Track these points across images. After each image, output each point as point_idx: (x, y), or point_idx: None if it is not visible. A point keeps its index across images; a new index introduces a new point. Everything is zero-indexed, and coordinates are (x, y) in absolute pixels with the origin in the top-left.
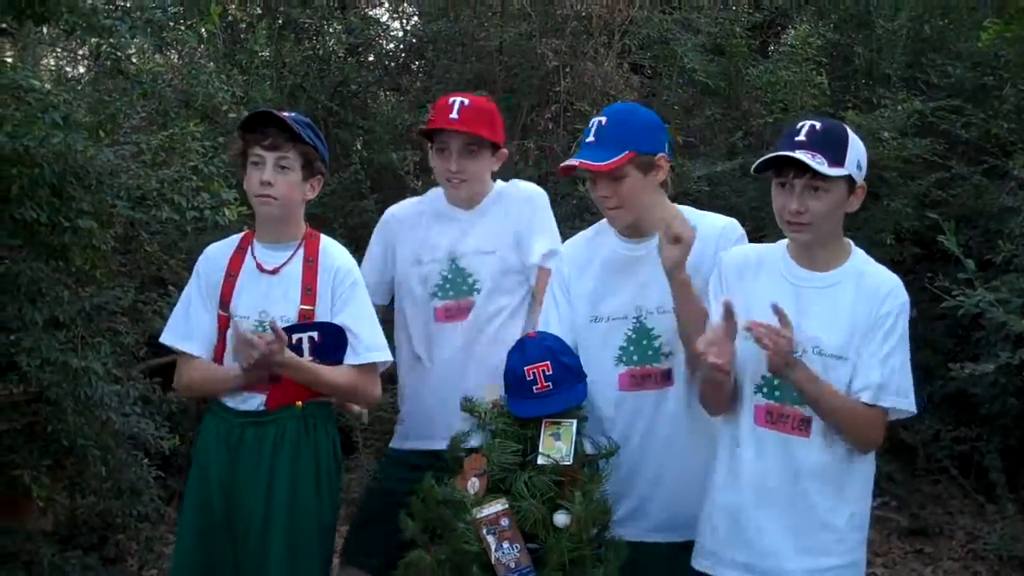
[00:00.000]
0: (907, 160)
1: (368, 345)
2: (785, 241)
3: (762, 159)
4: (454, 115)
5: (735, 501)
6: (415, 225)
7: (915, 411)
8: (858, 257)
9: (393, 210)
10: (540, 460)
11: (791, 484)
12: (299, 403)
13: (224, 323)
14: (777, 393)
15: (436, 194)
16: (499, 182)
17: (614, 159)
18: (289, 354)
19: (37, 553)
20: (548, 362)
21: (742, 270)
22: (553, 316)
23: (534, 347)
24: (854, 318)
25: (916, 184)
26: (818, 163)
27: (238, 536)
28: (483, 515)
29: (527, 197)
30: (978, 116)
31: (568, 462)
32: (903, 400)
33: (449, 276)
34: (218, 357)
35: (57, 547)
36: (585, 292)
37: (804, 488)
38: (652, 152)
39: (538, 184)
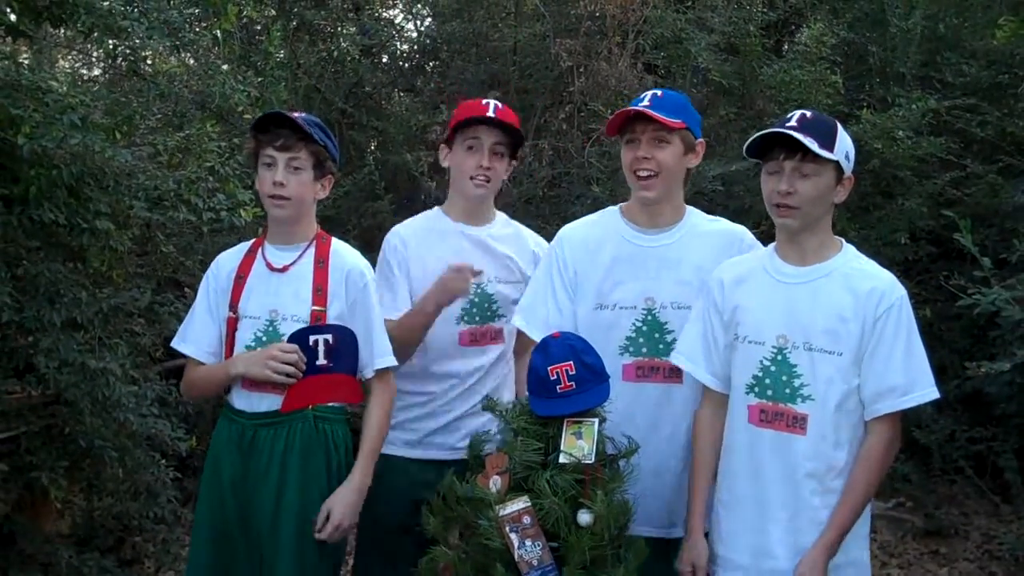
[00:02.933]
0: (922, 159)
1: (382, 351)
2: (773, 244)
3: (754, 136)
4: (491, 113)
5: (732, 501)
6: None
7: (939, 395)
8: (848, 254)
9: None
10: (562, 458)
11: (786, 482)
12: (311, 405)
13: (232, 325)
14: (769, 392)
15: (435, 214)
16: (501, 214)
17: (671, 120)
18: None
19: (55, 555)
20: (571, 362)
21: (730, 284)
22: (552, 306)
23: (558, 347)
24: (842, 314)
25: (931, 183)
26: (809, 142)
27: (251, 537)
28: (506, 513)
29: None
30: (993, 114)
31: (590, 461)
32: (929, 391)
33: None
34: (227, 359)
35: (74, 549)
36: (594, 279)
37: (799, 486)
38: (696, 135)
39: (552, 184)
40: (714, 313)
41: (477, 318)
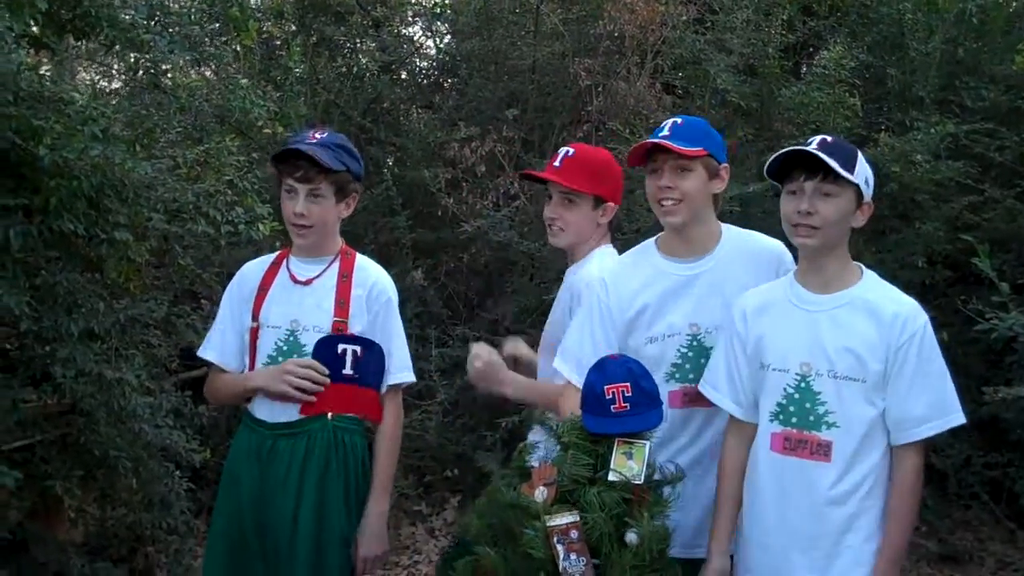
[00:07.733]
0: (940, 183)
1: (399, 366)
2: (792, 271)
3: (776, 155)
4: (556, 163)
5: (757, 529)
6: None
7: (964, 420)
8: (869, 280)
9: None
10: (611, 476)
11: (810, 509)
12: (330, 414)
13: (255, 334)
14: (794, 420)
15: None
16: (595, 254)
17: (691, 149)
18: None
19: (67, 564)
20: (628, 384)
21: (751, 314)
22: (588, 349)
23: (615, 367)
24: (866, 341)
25: (948, 207)
26: (831, 161)
27: (267, 547)
28: (554, 524)
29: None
30: (1012, 139)
31: (639, 481)
32: (954, 416)
33: None
34: (251, 369)
35: (87, 558)
36: (642, 317)
37: (823, 513)
38: (719, 161)
39: None
40: (737, 343)
41: None
